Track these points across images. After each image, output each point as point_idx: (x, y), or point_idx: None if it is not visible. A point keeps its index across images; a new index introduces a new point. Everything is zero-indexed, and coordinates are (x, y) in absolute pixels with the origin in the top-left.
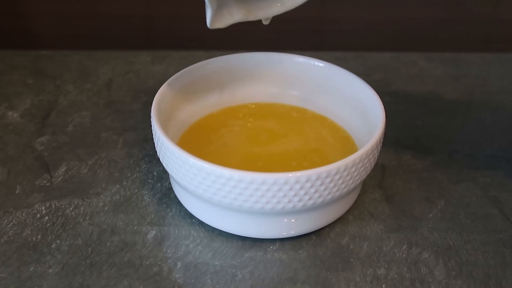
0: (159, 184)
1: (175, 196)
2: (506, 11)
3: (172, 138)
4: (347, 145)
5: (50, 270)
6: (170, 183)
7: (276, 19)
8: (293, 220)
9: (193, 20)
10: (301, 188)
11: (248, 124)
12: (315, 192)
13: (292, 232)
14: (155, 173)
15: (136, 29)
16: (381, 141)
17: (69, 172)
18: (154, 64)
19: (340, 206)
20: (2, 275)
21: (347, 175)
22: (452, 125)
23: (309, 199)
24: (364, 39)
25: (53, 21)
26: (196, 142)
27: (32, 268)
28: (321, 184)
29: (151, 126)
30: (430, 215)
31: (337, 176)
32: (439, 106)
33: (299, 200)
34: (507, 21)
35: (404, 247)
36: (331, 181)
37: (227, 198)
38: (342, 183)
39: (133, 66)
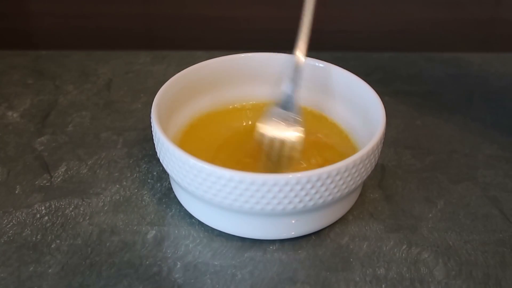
0: (159, 184)
1: (175, 196)
2: (506, 11)
3: (172, 139)
4: (347, 146)
5: (50, 270)
6: (170, 183)
7: (276, 18)
8: (293, 221)
9: (193, 20)
10: (301, 189)
11: (249, 125)
12: (316, 193)
13: (293, 233)
14: (155, 173)
15: (136, 29)
16: (382, 141)
17: (69, 172)
18: (154, 64)
19: (341, 207)
20: (2, 275)
21: (347, 176)
22: (452, 125)
23: (310, 200)
24: (364, 39)
25: (53, 21)
26: (196, 142)
27: (32, 268)
28: (321, 185)
29: (151, 126)
30: (430, 215)
31: (338, 177)
32: (439, 106)
33: (300, 201)
34: (507, 21)
35: (404, 247)
36: (331, 182)
37: (227, 199)
38: (343, 184)
39: (133, 66)
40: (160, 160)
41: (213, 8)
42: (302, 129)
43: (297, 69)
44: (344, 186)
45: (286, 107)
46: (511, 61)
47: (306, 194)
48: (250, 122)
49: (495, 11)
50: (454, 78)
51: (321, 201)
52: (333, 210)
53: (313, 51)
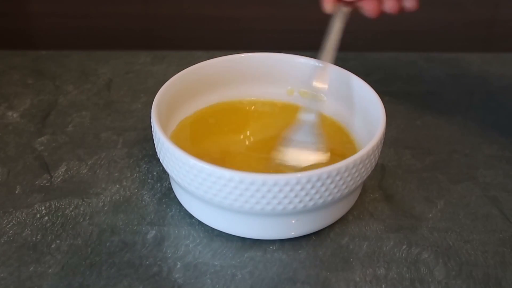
0: (159, 184)
1: (175, 196)
2: (506, 11)
3: (172, 139)
4: (347, 145)
5: (50, 270)
6: (169, 183)
7: (276, 19)
8: (293, 221)
9: (193, 20)
10: (301, 189)
11: (249, 124)
12: (316, 193)
13: (293, 233)
14: (155, 173)
15: (136, 29)
16: (382, 142)
17: (69, 172)
18: (154, 64)
19: (341, 207)
20: (2, 275)
21: (347, 176)
22: (452, 125)
23: (310, 200)
24: (364, 39)
25: (53, 21)
26: (197, 143)
27: (32, 268)
28: (321, 185)
29: (151, 126)
30: (430, 215)
31: (338, 177)
32: (439, 106)
33: (300, 201)
34: (507, 21)
35: (404, 247)
36: (331, 182)
37: (227, 199)
38: (343, 184)
39: (133, 66)
40: (160, 160)
41: (213, 8)
42: (327, 153)
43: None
44: (344, 186)
45: (306, 135)
46: (511, 61)
47: (306, 194)
48: (251, 122)
49: (495, 11)
50: (454, 78)
51: (321, 201)
52: (333, 210)
53: (313, 51)
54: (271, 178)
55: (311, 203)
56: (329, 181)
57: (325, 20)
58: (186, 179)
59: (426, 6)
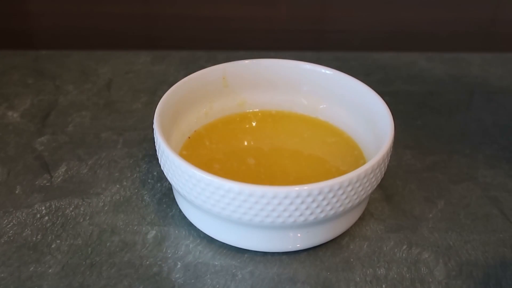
0: (159, 184)
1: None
2: (506, 11)
3: (174, 146)
4: (353, 154)
5: (50, 270)
6: (170, 183)
7: (275, 19)
8: (298, 235)
9: (193, 20)
10: (302, 202)
11: (253, 132)
12: (317, 207)
13: (298, 246)
14: (155, 173)
15: (136, 29)
16: (391, 150)
17: (69, 172)
18: (154, 64)
19: (351, 216)
20: (2, 275)
21: (358, 186)
22: (452, 125)
23: (311, 214)
24: (364, 39)
25: (53, 21)
26: (199, 151)
27: (32, 268)
28: (323, 199)
29: (151, 126)
30: (430, 215)
31: (349, 188)
32: (439, 106)
33: (300, 215)
34: (507, 21)
35: (404, 247)
36: (333, 196)
37: (226, 210)
38: (354, 194)
39: (133, 66)
40: (161, 166)
41: (213, 8)
42: None
43: None
44: (355, 197)
45: None
46: (511, 61)
47: (307, 208)
48: (255, 128)
49: (495, 11)
50: (454, 78)
51: (322, 215)
52: (336, 226)
53: (313, 51)
54: (270, 190)
55: (312, 217)
56: (331, 195)
57: (325, 20)
58: (186, 188)
59: (426, 6)
